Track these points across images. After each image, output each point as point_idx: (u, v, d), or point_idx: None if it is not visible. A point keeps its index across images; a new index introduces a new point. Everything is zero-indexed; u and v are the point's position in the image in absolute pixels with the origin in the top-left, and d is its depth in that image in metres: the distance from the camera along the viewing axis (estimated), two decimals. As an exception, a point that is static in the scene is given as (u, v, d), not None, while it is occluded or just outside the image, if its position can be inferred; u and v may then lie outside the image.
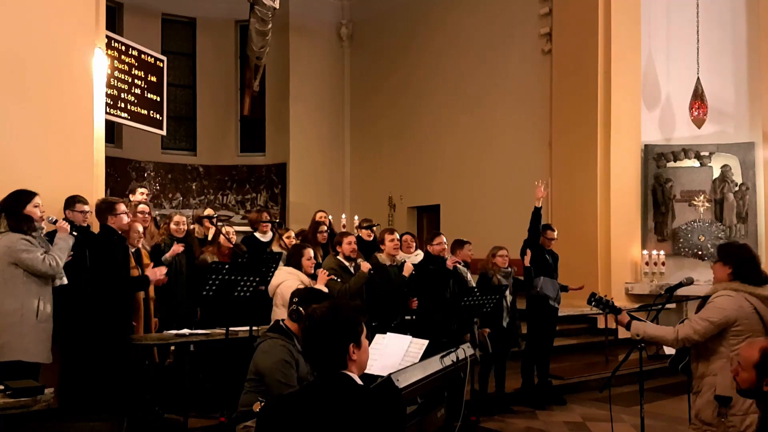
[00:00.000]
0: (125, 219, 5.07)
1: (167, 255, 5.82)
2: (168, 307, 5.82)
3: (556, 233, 7.03)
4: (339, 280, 5.44)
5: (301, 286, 4.95)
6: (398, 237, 6.19)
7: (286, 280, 5.05)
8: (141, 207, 6.21)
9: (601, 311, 3.71)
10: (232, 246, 6.17)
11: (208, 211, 7.20)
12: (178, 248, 5.86)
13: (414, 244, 6.85)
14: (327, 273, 5.28)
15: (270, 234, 6.99)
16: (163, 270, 5.25)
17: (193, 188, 14.34)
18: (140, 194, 7.03)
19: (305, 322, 2.16)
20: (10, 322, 4.26)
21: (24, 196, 4.40)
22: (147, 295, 5.51)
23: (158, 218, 7.57)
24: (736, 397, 3.14)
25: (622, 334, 9.17)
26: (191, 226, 7.06)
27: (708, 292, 3.48)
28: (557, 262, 6.99)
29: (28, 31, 5.33)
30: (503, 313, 6.38)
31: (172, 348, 5.90)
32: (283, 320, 3.75)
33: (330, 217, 7.65)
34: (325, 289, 5.11)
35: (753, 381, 2.65)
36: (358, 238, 6.65)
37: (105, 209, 4.98)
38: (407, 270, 5.99)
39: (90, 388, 4.76)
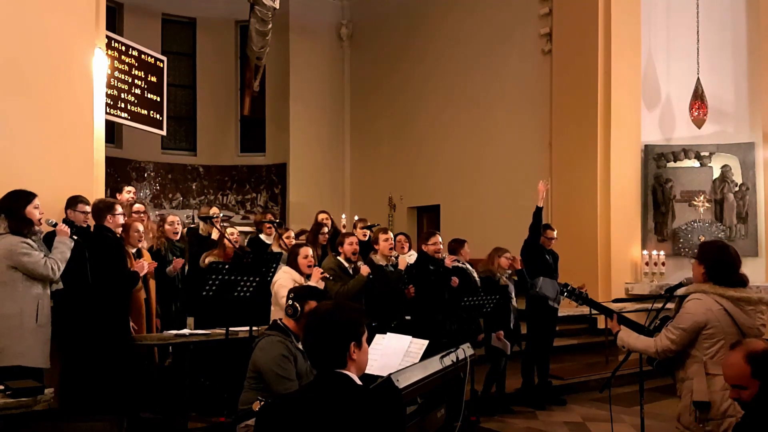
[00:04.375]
0: (121, 219, 5.06)
1: (170, 269, 5.76)
2: (164, 310, 5.81)
3: (555, 232, 7.04)
4: (330, 278, 5.43)
5: (292, 285, 4.98)
6: (393, 237, 6.18)
7: (279, 279, 5.10)
8: (137, 206, 6.18)
9: (576, 301, 3.76)
10: (236, 249, 6.15)
11: (214, 210, 7.19)
12: (178, 264, 5.78)
13: (407, 245, 6.85)
14: (322, 271, 5.30)
15: (275, 235, 7.02)
16: (146, 263, 5.23)
17: (193, 188, 14.34)
18: (126, 192, 6.98)
19: (308, 318, 2.17)
20: (9, 326, 4.23)
21: (23, 197, 4.34)
22: (148, 295, 5.50)
23: (158, 217, 7.56)
24: (714, 402, 3.15)
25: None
26: (196, 223, 7.05)
27: (683, 293, 3.44)
28: (557, 262, 6.99)
29: (29, 32, 5.34)
30: (510, 314, 6.39)
31: (170, 348, 5.90)
32: (280, 319, 3.77)
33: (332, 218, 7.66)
34: (321, 284, 5.13)
35: (757, 390, 2.58)
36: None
37: (104, 209, 4.96)
38: (402, 263, 6.00)
39: (90, 388, 4.76)
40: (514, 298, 6.51)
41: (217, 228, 6.55)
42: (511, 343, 6.40)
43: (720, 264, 3.35)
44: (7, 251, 4.23)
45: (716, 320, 3.25)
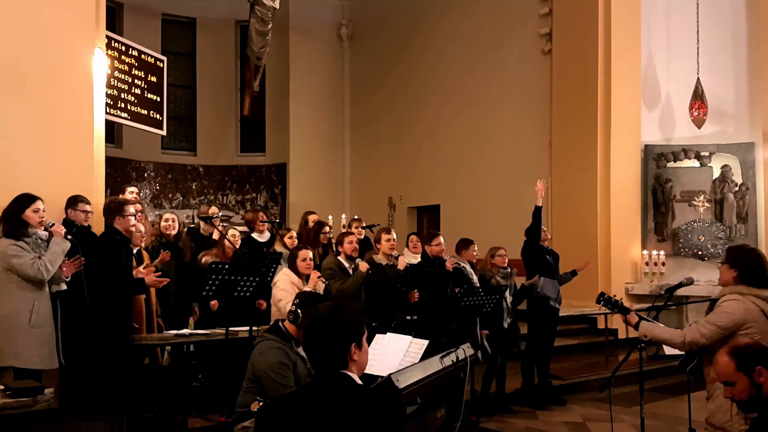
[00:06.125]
0: (132, 220, 5.02)
1: (156, 262, 5.66)
2: (162, 309, 5.79)
3: (546, 228, 7.08)
4: (326, 282, 5.43)
5: (290, 287, 4.99)
6: (394, 237, 6.18)
7: (278, 282, 5.11)
8: (135, 206, 6.14)
9: (609, 311, 3.74)
10: (236, 249, 6.13)
11: (213, 210, 7.16)
12: (165, 256, 5.67)
13: (420, 245, 6.84)
14: (319, 275, 5.31)
15: (267, 234, 6.99)
16: (157, 275, 5.21)
17: (193, 188, 14.34)
18: (129, 193, 6.97)
19: (308, 319, 2.16)
20: (5, 327, 4.27)
21: (24, 201, 4.40)
22: (148, 296, 5.49)
23: (157, 217, 7.54)
24: None
25: (622, 334, 9.22)
26: (196, 223, 7.02)
27: (717, 295, 3.50)
28: (558, 262, 6.99)
29: (29, 32, 5.33)
30: (503, 314, 6.37)
31: (168, 348, 5.89)
32: (282, 321, 3.76)
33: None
34: (321, 287, 5.14)
35: (747, 385, 2.62)
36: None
37: (113, 209, 4.94)
38: (401, 264, 5.99)
39: (90, 388, 4.76)
40: (509, 298, 6.48)
41: (217, 229, 6.54)
42: (508, 343, 6.39)
43: (753, 267, 3.44)
44: (1, 254, 4.28)
45: (754, 321, 3.30)
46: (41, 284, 4.39)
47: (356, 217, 8.31)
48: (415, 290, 6.08)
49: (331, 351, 2.06)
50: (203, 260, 6.05)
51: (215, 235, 6.71)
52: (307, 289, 5.11)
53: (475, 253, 6.59)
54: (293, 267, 5.21)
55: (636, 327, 3.60)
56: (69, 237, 4.54)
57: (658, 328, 3.55)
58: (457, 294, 5.92)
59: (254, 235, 6.98)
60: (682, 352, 3.63)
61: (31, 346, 4.32)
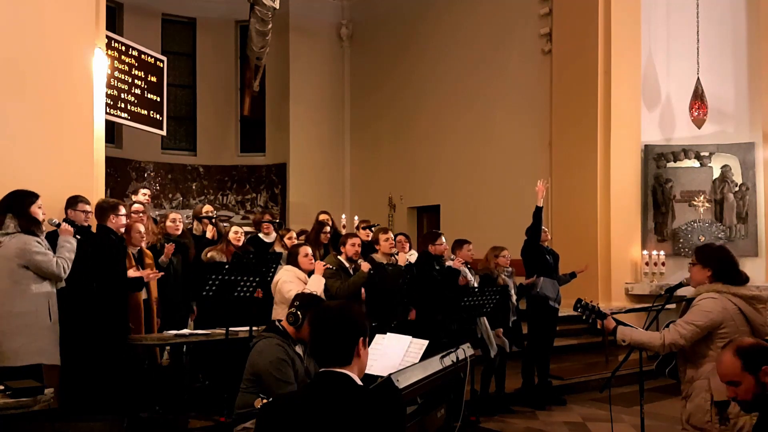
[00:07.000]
0: (124, 220, 5.06)
1: (162, 258, 5.77)
2: (164, 307, 5.81)
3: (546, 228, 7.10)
4: (334, 269, 5.45)
5: (296, 281, 4.99)
6: (393, 236, 6.20)
7: (282, 278, 5.12)
8: (135, 207, 6.17)
9: (585, 317, 3.67)
10: (240, 246, 6.16)
11: (207, 209, 7.19)
12: (170, 249, 5.78)
13: (407, 245, 6.88)
14: (324, 263, 5.32)
15: (273, 234, 7.05)
16: (152, 273, 5.23)
17: (193, 188, 14.34)
18: (142, 195, 7.03)
19: (317, 314, 2.18)
20: (26, 324, 4.24)
21: (28, 197, 4.38)
22: (149, 296, 5.50)
23: (158, 218, 7.55)
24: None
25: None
26: (191, 224, 7.06)
27: (692, 295, 3.43)
28: (557, 262, 7.00)
29: (29, 32, 5.34)
30: (509, 312, 6.40)
31: (167, 348, 5.89)
32: (279, 321, 3.76)
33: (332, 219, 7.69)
34: (323, 281, 5.16)
35: (753, 385, 2.60)
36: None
37: (108, 209, 4.96)
38: (402, 260, 6.00)
39: (90, 388, 4.76)
40: (514, 297, 6.51)
41: (211, 224, 6.55)
42: (510, 342, 6.41)
43: (727, 264, 3.39)
44: (20, 250, 4.24)
45: (731, 319, 3.26)
46: (53, 282, 4.40)
47: (357, 217, 8.31)
48: (413, 309, 6.11)
49: (339, 345, 2.07)
50: (209, 255, 6.07)
51: (208, 234, 6.74)
52: (314, 277, 5.13)
53: (469, 253, 6.59)
54: (295, 264, 5.22)
55: (613, 333, 3.52)
56: (78, 236, 4.56)
57: (636, 332, 3.47)
58: (458, 293, 5.93)
59: (261, 235, 7.05)
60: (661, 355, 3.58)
61: (52, 342, 4.35)
